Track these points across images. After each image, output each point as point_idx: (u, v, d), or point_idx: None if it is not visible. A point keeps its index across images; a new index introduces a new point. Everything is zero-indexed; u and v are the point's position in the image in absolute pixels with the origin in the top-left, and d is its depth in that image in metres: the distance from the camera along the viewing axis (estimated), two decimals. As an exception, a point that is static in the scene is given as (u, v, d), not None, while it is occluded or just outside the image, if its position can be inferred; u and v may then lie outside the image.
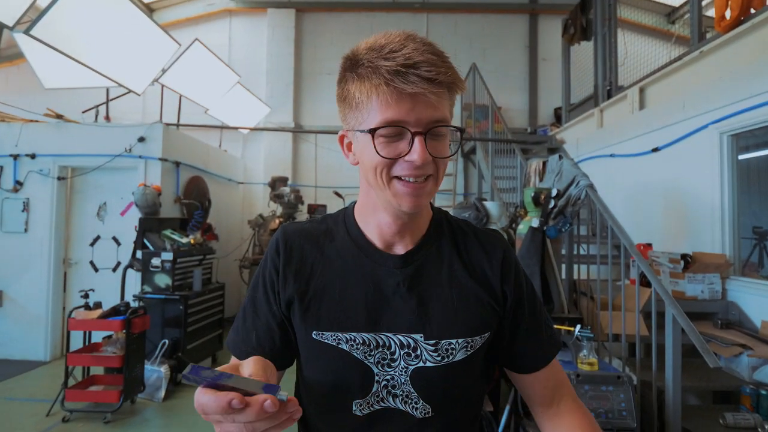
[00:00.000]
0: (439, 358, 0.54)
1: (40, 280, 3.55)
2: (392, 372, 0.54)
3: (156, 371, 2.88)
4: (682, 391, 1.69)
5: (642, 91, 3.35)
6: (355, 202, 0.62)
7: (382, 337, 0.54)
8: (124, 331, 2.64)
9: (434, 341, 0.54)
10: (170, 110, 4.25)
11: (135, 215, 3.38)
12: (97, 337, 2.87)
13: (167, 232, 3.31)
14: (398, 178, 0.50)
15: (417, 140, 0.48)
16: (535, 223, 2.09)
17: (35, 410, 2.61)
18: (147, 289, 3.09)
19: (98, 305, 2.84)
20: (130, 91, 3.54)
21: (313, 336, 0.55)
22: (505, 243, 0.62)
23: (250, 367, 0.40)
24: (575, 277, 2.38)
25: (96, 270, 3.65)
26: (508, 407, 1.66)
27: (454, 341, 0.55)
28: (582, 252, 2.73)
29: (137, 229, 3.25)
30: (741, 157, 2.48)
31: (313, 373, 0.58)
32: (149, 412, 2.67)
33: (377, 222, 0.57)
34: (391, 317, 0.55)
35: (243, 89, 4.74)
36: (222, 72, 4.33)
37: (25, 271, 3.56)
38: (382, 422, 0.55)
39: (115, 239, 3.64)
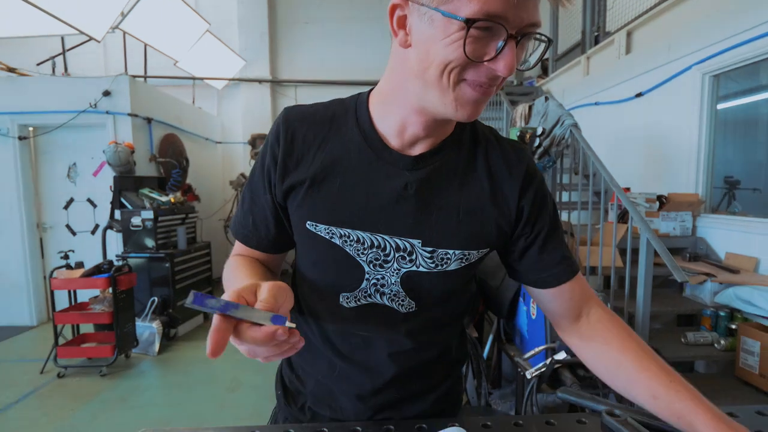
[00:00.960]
0: (432, 265, 0.54)
1: (14, 245, 3.42)
2: (383, 272, 0.54)
3: (148, 327, 2.90)
4: (651, 317, 1.82)
5: (629, 35, 3.29)
6: (371, 90, 0.55)
7: (378, 238, 0.52)
8: (110, 289, 2.61)
9: (432, 249, 0.53)
10: (135, 63, 3.95)
11: (108, 175, 3.23)
12: (83, 296, 2.84)
13: (145, 191, 3.20)
14: (465, 80, 0.43)
15: (509, 46, 0.40)
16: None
17: (28, 369, 2.62)
18: (130, 250, 3.03)
19: (80, 265, 2.78)
20: (89, 38, 3.24)
21: (307, 226, 0.54)
22: (530, 158, 0.57)
23: (264, 292, 0.40)
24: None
25: (74, 233, 3.54)
26: (491, 336, 1.77)
27: (451, 252, 0.53)
28: (564, 200, 2.80)
29: (112, 188, 3.12)
30: (720, 106, 2.52)
31: (304, 262, 0.58)
32: (145, 365, 2.72)
33: (401, 118, 0.50)
34: (391, 219, 0.52)
35: (214, 38, 4.41)
36: (190, 18, 3.99)
37: (-4, 236, 3.42)
38: (367, 315, 0.56)
39: (90, 201, 3.50)
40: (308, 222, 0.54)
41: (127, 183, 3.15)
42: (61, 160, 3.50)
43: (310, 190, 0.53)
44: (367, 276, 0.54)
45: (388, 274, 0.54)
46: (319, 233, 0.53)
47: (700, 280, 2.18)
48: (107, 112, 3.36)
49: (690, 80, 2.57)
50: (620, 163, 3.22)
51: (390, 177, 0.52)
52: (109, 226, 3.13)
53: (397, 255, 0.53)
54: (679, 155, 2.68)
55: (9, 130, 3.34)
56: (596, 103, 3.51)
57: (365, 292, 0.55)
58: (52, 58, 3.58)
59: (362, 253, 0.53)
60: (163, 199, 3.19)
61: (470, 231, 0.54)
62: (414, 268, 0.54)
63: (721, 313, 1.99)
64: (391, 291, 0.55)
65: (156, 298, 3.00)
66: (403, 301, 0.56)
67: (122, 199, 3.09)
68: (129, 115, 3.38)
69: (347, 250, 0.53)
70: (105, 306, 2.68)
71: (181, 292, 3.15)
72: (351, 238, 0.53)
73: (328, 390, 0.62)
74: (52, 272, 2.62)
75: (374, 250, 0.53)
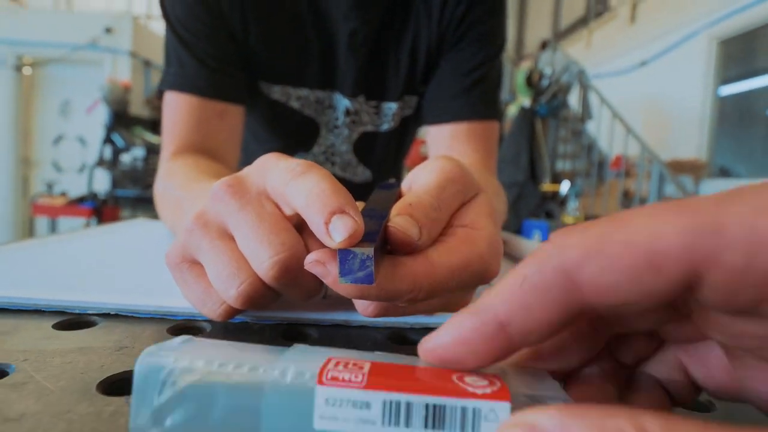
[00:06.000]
0: (379, 122, 0.48)
1: (-2, 179, 3.32)
2: (333, 139, 0.49)
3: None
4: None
5: (635, 5, 3.31)
6: None
7: (334, 96, 0.46)
8: (93, 219, 2.51)
9: (376, 102, 0.46)
10: (139, 4, 3.89)
11: (102, 115, 3.15)
12: (64, 227, 2.73)
13: (138, 130, 3.11)
14: None
15: None
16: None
17: None
18: (118, 189, 2.93)
19: (63, 195, 2.68)
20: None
21: (259, 86, 0.45)
22: None
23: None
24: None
25: (59, 170, 3.43)
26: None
27: (394, 105, 0.47)
28: (566, 167, 2.76)
29: (107, 125, 3.03)
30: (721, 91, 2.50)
31: (253, 119, 0.50)
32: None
33: None
34: (340, 74, 0.44)
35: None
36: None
37: (-20, 168, 3.31)
38: None
39: (80, 139, 3.40)
40: (260, 82, 0.44)
41: (120, 121, 3.06)
42: (55, 95, 3.41)
43: (256, 44, 0.42)
44: (319, 140, 0.49)
45: (338, 141, 0.50)
46: (272, 96, 0.45)
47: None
48: (107, 50, 3.29)
49: (697, 46, 2.57)
50: (620, 131, 3.21)
51: (339, 21, 0.42)
52: (99, 164, 3.03)
53: (347, 119, 0.48)
54: (682, 119, 2.67)
55: (7, 59, 3.25)
56: (597, 76, 3.52)
57: (317, 159, 0.50)
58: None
59: (322, 114, 0.47)
60: (156, 140, 3.11)
61: (411, 73, 0.45)
62: (362, 129, 0.49)
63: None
64: (343, 160, 0.51)
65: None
66: (356, 168, 0.52)
67: (113, 137, 3.00)
68: (130, 54, 3.31)
69: (305, 112, 0.47)
70: (86, 238, 2.58)
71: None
72: (309, 99, 0.46)
73: None
74: (33, 197, 2.52)
75: (331, 110, 0.47)
